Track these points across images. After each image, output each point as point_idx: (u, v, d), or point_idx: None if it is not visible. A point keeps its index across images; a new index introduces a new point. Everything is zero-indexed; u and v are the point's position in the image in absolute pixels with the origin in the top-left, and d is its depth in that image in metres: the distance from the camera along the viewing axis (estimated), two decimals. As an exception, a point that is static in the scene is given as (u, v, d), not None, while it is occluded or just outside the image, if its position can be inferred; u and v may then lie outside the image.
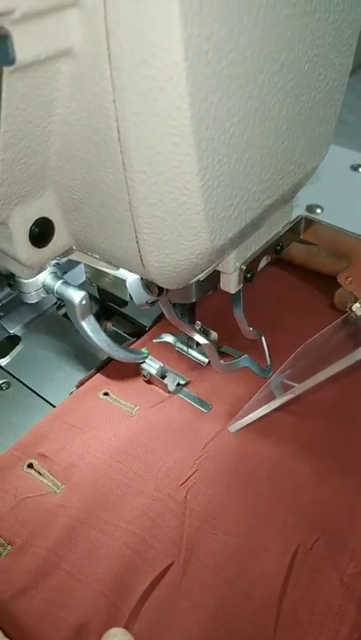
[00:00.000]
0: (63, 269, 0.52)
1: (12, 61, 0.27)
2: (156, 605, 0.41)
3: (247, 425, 0.50)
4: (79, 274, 0.64)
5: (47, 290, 0.50)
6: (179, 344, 0.59)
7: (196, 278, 0.41)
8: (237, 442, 0.50)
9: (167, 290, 0.46)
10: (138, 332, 0.63)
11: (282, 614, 0.40)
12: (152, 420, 0.53)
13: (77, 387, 0.56)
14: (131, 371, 0.56)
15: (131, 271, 0.42)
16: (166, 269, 0.37)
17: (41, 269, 0.42)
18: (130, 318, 0.64)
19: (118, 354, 0.54)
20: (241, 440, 0.51)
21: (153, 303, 0.50)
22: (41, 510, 0.46)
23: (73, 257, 0.44)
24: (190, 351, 0.58)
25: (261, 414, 0.48)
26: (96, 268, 0.51)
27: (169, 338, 0.60)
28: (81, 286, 0.50)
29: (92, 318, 0.51)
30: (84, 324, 0.50)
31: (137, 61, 0.27)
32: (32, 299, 0.50)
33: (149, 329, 0.62)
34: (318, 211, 0.84)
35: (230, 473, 0.48)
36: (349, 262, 0.54)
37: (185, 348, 0.59)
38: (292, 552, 0.43)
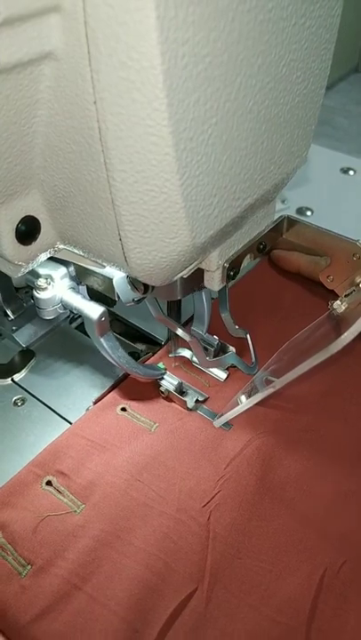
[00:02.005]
0: (76, 281, 0.52)
1: (-5, 64, 0.28)
2: (181, 634, 0.40)
3: (270, 442, 0.50)
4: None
5: (65, 306, 0.49)
6: (195, 359, 0.58)
7: (180, 275, 0.42)
8: (260, 460, 0.50)
9: (153, 287, 0.47)
10: (128, 331, 0.64)
11: None
12: (172, 438, 0.52)
13: (94, 404, 0.56)
14: (148, 386, 0.56)
15: (115, 268, 0.43)
16: (149, 266, 0.38)
17: (27, 266, 0.43)
18: (118, 317, 0.65)
19: (138, 371, 0.53)
20: (263, 458, 0.50)
21: (139, 301, 0.51)
22: (61, 530, 0.45)
23: (60, 255, 0.45)
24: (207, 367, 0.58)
25: (244, 409, 0.49)
26: (85, 268, 0.52)
27: (185, 352, 0.60)
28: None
29: (110, 335, 0.50)
30: (102, 340, 0.49)
31: (115, 64, 0.28)
32: (49, 314, 0.50)
33: (165, 343, 0.62)
34: (309, 213, 0.85)
35: (254, 494, 0.48)
36: (330, 261, 0.55)
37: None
38: (318, 576, 0.43)
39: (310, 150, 0.45)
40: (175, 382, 0.55)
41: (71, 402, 0.56)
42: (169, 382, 0.55)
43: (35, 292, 0.49)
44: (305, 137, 0.43)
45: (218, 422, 0.52)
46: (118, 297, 0.51)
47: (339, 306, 0.45)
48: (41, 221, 0.40)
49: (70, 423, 0.54)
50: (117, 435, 0.52)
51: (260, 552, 0.44)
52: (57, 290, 0.49)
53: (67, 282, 0.49)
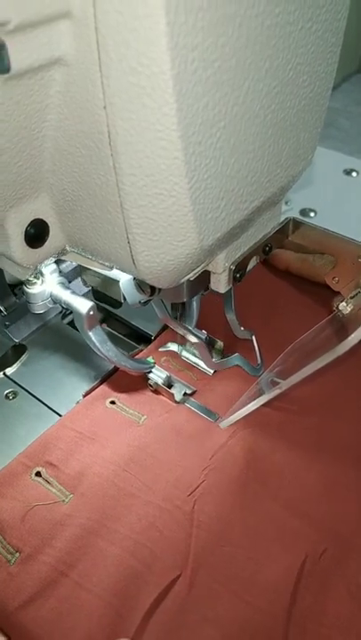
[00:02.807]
0: (69, 278, 0.52)
1: (6, 70, 0.28)
2: (164, 618, 0.41)
3: (255, 433, 0.51)
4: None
5: (55, 300, 0.50)
6: (185, 353, 0.60)
7: (187, 278, 0.42)
8: (245, 451, 0.50)
9: (159, 289, 0.47)
10: (131, 333, 0.64)
11: (291, 626, 0.40)
12: (160, 430, 0.53)
13: (84, 396, 0.56)
14: (137, 380, 0.57)
15: (123, 271, 0.43)
16: (157, 269, 0.38)
17: (35, 269, 0.43)
18: (122, 320, 0.65)
19: (126, 364, 0.54)
20: (248, 449, 0.51)
21: (146, 303, 0.52)
22: (49, 519, 0.46)
23: (67, 258, 0.46)
24: (197, 360, 0.59)
25: (250, 410, 0.49)
26: (90, 269, 0.52)
27: (174, 347, 0.60)
28: (86, 296, 0.50)
29: (99, 329, 0.51)
30: (91, 334, 0.50)
31: (126, 70, 0.28)
32: (39, 309, 0.51)
33: (155, 338, 0.62)
34: (312, 214, 0.85)
35: (238, 483, 0.48)
36: (336, 262, 0.55)
37: (191, 357, 0.59)
38: (300, 563, 0.43)
39: (313, 152, 0.45)
40: (163, 375, 0.56)
41: (62, 395, 0.57)
42: (157, 375, 0.56)
43: (24, 287, 0.50)
44: (311, 140, 0.43)
45: (224, 423, 0.52)
46: (125, 299, 0.51)
47: (344, 307, 0.45)
48: (50, 225, 0.40)
49: (60, 416, 0.55)
50: (106, 427, 0.53)
51: (243, 540, 0.45)
52: (46, 285, 0.50)
53: (56, 277, 0.50)
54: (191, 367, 0.59)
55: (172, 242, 0.36)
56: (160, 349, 0.61)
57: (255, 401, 0.48)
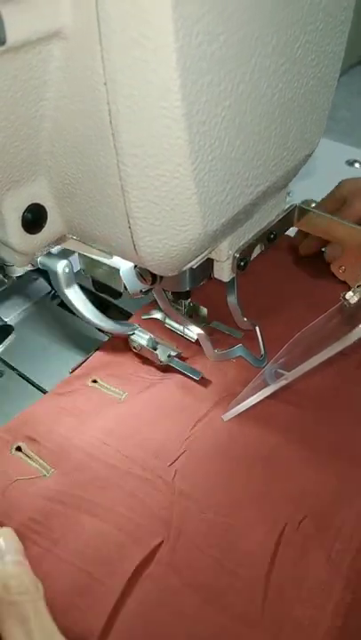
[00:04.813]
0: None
1: (2, 42, 0.27)
2: (148, 584, 0.41)
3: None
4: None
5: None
6: (168, 320, 0.59)
7: (190, 265, 0.41)
8: (227, 423, 0.51)
9: (161, 278, 0.46)
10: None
11: (270, 591, 0.41)
12: (140, 404, 0.53)
13: (71, 373, 0.56)
14: (120, 359, 0.57)
15: (124, 258, 0.42)
16: (159, 255, 0.37)
17: (34, 257, 0.42)
18: (124, 311, 0.64)
19: (106, 325, 0.53)
20: (231, 421, 0.51)
21: (147, 292, 0.50)
22: (30, 493, 0.46)
23: (67, 245, 0.44)
24: (180, 327, 0.58)
25: (254, 402, 0.48)
26: (90, 259, 0.51)
27: (158, 314, 0.59)
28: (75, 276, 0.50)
29: (76, 287, 0.50)
30: (68, 292, 0.49)
31: (127, 42, 0.27)
32: (17, 272, 0.50)
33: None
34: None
35: (219, 453, 0.49)
36: (343, 251, 0.54)
37: (175, 325, 0.58)
38: (279, 531, 0.44)
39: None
40: (147, 337, 0.54)
41: (48, 374, 0.57)
42: (140, 337, 0.55)
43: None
44: (318, 123, 0.42)
45: (226, 416, 0.51)
46: (125, 288, 0.50)
47: (351, 297, 0.44)
48: (48, 209, 0.39)
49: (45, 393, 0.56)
50: (87, 403, 0.53)
51: (223, 508, 0.45)
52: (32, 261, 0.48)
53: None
54: (173, 335, 0.59)
55: (175, 227, 0.35)
56: (143, 317, 0.60)
57: (259, 393, 0.47)
